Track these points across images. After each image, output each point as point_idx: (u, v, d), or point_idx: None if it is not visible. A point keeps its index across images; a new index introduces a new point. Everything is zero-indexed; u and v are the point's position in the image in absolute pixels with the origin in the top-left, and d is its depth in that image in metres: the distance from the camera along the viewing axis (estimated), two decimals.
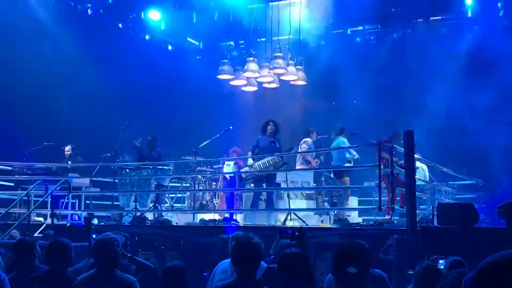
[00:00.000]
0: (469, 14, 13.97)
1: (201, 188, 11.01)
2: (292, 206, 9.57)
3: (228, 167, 10.87)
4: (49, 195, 9.89)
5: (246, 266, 3.84)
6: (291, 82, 14.40)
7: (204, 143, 10.77)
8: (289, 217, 9.17)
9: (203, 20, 15.00)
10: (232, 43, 15.96)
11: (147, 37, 15.81)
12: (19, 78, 12.57)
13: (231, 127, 11.04)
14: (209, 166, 11.32)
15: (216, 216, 9.87)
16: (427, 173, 11.06)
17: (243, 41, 15.49)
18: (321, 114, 14.40)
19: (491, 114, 12.82)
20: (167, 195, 11.59)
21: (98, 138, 12.76)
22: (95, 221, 9.35)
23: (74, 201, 10.85)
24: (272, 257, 6.02)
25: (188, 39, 16.67)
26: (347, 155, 10.31)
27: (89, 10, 14.44)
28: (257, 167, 10.08)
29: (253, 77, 13.83)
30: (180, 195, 12.08)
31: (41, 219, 10.65)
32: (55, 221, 9.91)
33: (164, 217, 9.99)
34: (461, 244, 6.18)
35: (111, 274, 4.24)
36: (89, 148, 12.39)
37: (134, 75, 14.64)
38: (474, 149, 12.98)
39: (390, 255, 6.64)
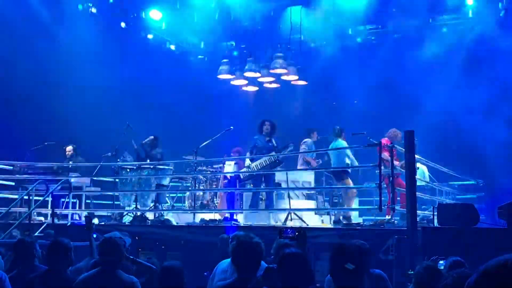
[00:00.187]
0: (470, 15, 13.96)
1: (201, 188, 11.01)
2: (292, 206, 9.57)
3: (229, 167, 10.88)
4: (50, 195, 9.90)
5: (246, 266, 3.84)
6: (292, 82, 14.42)
7: (204, 143, 10.77)
8: (289, 217, 9.17)
9: (204, 19, 15.00)
10: (233, 42, 15.96)
11: (148, 36, 15.80)
12: (20, 77, 12.57)
13: (231, 127, 11.05)
14: (209, 166, 11.33)
15: (217, 216, 9.88)
16: (427, 174, 11.06)
17: (243, 41, 15.48)
18: (322, 114, 14.40)
19: (493, 114, 12.81)
20: (167, 195, 11.60)
21: (99, 138, 12.76)
22: (96, 221, 9.36)
23: (74, 200, 10.86)
24: (272, 257, 6.02)
25: (189, 38, 16.68)
26: (347, 160, 10.07)
27: (91, 9, 14.43)
28: (254, 167, 10.11)
29: (253, 77, 13.84)
30: (180, 194, 12.08)
31: (42, 218, 10.66)
32: (56, 220, 9.92)
33: (165, 217, 10.00)
34: (461, 244, 6.18)
35: (113, 274, 4.24)
36: (90, 148, 12.39)
37: (135, 74, 14.65)
38: (474, 149, 12.97)
39: (390, 255, 6.65)
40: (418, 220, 7.53)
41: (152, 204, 10.59)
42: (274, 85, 14.80)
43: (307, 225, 8.72)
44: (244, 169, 10.39)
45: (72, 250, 4.83)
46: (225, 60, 13.67)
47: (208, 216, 9.87)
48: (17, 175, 11.02)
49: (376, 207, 8.21)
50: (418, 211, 7.62)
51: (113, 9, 14.84)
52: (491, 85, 12.84)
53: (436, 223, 7.34)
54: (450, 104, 13.32)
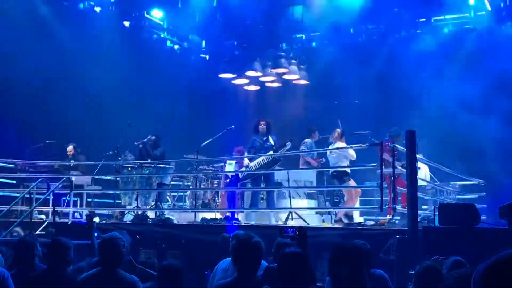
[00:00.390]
0: (472, 14, 13.96)
1: (202, 187, 11.01)
2: (293, 206, 9.57)
3: (230, 166, 10.88)
4: (51, 193, 9.91)
5: (246, 265, 3.84)
6: (293, 81, 14.42)
7: (206, 142, 10.78)
8: (290, 216, 9.16)
9: (206, 18, 15.01)
10: (234, 42, 15.96)
11: (149, 35, 15.81)
12: (22, 76, 12.58)
13: (233, 126, 11.05)
14: (210, 165, 11.33)
15: (218, 215, 9.88)
16: (428, 173, 11.05)
17: (245, 40, 15.47)
18: (323, 113, 14.38)
19: (495, 114, 12.79)
20: (168, 194, 11.60)
21: (100, 136, 12.77)
22: (96, 220, 9.38)
23: (76, 199, 10.87)
24: (272, 256, 6.01)
25: (191, 37, 16.68)
26: (346, 163, 10.11)
27: (94, 8, 14.43)
28: (253, 167, 10.12)
29: (255, 76, 13.84)
30: (181, 193, 12.09)
31: (43, 216, 10.67)
32: (57, 219, 9.93)
33: (166, 216, 10.00)
34: (462, 244, 6.17)
35: (114, 274, 4.25)
36: (91, 146, 12.40)
37: (136, 73, 14.66)
38: (476, 149, 12.96)
39: (391, 255, 6.65)
40: (419, 220, 7.52)
41: (153, 203, 10.60)
42: (275, 84, 14.81)
43: (308, 224, 8.71)
44: (243, 169, 10.40)
45: (72, 249, 4.83)
46: (226, 59, 13.65)
47: (209, 215, 9.87)
48: (19, 173, 11.04)
49: (377, 207, 8.21)
50: (419, 211, 7.61)
51: (115, 8, 14.85)
52: (492, 85, 12.82)
53: (437, 223, 7.32)
54: (452, 103, 13.30)
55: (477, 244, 6.04)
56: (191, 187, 11.17)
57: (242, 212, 10.06)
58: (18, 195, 10.42)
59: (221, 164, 11.23)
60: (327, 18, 14.07)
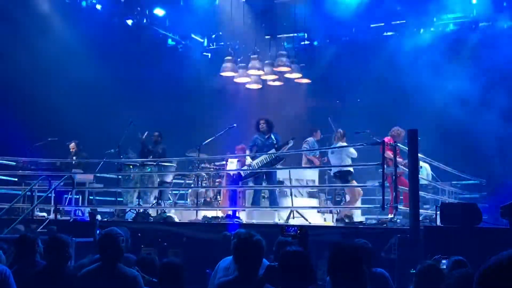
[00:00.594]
0: (474, 13, 13.93)
1: (204, 185, 11.02)
2: (295, 204, 9.56)
3: (232, 165, 10.89)
4: (53, 191, 9.92)
5: (247, 263, 3.84)
6: (295, 80, 14.40)
7: (207, 140, 10.78)
8: (292, 215, 9.16)
9: (208, 16, 14.99)
10: (236, 40, 15.95)
11: (152, 33, 15.80)
12: (23, 73, 12.59)
13: (234, 125, 11.04)
14: (212, 164, 11.33)
15: (219, 213, 9.88)
16: (430, 172, 11.04)
17: (247, 38, 15.45)
18: (325, 112, 14.37)
19: (497, 114, 12.77)
20: (170, 192, 11.61)
21: (102, 134, 12.78)
22: (98, 217, 9.38)
23: (77, 196, 10.87)
24: (274, 255, 6.02)
25: (193, 35, 16.68)
26: (348, 162, 10.02)
27: (96, 6, 14.44)
28: (255, 165, 10.11)
29: (257, 75, 13.82)
30: (183, 192, 12.09)
31: (45, 214, 10.68)
32: (59, 216, 9.94)
33: (167, 214, 10.01)
34: (464, 244, 6.16)
35: (114, 269, 4.26)
36: (93, 144, 12.41)
37: (138, 71, 14.66)
38: (478, 148, 12.94)
39: (392, 254, 6.64)
40: (420, 219, 7.52)
41: (154, 201, 10.60)
42: (277, 83, 14.78)
43: (310, 223, 8.71)
44: (245, 167, 10.39)
45: (71, 246, 4.83)
46: (228, 58, 13.63)
47: (210, 213, 9.87)
48: (20, 171, 11.05)
49: (379, 206, 8.20)
50: (420, 210, 7.60)
51: (118, 6, 14.85)
52: (494, 85, 12.80)
53: (438, 223, 7.32)
54: (454, 103, 13.28)
55: (478, 244, 6.03)
56: (192, 185, 11.18)
57: (244, 210, 10.06)
58: (19, 192, 10.44)
59: (223, 163, 11.23)
60: (329, 17, 14.05)
